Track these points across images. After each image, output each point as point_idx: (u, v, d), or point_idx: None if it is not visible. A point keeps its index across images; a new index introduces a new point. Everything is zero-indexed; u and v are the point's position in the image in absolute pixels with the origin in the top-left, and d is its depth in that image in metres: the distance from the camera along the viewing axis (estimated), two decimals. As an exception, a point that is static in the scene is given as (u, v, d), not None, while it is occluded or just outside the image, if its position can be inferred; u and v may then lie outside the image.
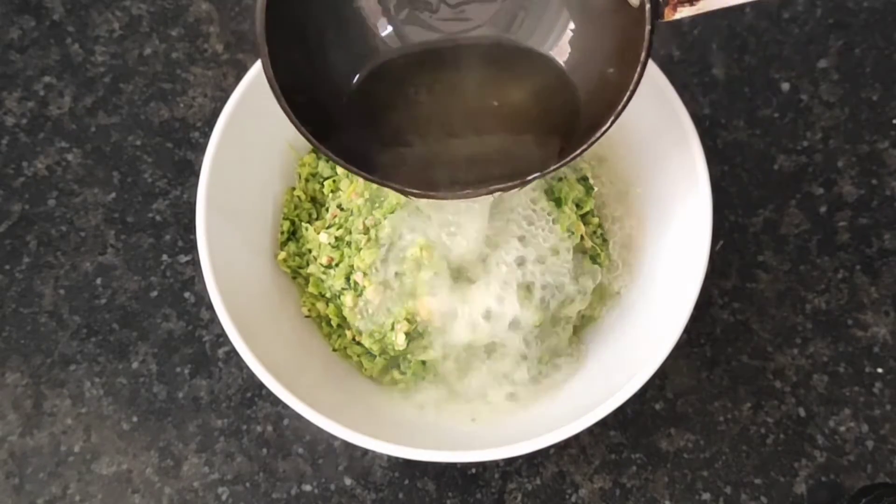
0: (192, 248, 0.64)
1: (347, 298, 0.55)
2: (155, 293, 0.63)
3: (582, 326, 0.58)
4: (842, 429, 0.60)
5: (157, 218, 0.65)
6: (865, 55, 0.69)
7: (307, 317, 0.58)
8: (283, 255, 0.58)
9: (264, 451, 0.60)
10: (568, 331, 0.57)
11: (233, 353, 0.61)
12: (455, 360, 0.56)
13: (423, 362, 0.55)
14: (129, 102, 0.68)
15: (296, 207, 0.59)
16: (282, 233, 0.59)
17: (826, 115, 0.67)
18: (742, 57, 0.69)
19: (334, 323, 0.57)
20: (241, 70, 0.57)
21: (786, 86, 0.68)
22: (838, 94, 0.68)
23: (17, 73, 0.69)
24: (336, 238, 0.55)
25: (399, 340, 0.53)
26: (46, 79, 0.69)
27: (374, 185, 0.55)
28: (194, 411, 0.60)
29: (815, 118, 0.67)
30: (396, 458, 0.59)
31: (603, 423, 0.53)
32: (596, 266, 0.57)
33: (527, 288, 0.53)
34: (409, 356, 0.55)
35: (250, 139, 0.57)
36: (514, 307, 0.53)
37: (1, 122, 0.68)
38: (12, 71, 0.69)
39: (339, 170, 0.58)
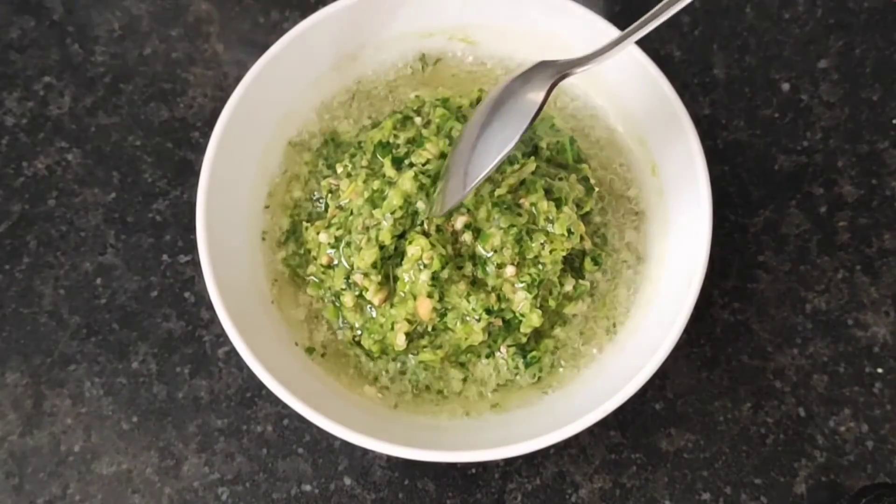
0: (192, 248, 0.64)
1: (347, 298, 0.55)
2: (155, 293, 0.63)
3: (581, 327, 0.58)
4: (842, 429, 0.60)
5: (157, 218, 0.65)
6: (865, 55, 0.69)
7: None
8: (282, 253, 0.58)
9: (264, 451, 0.60)
10: (567, 330, 0.57)
11: (233, 353, 0.61)
12: (454, 359, 0.56)
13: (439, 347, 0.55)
14: (129, 102, 0.68)
15: (295, 206, 0.59)
16: (281, 231, 0.59)
17: (826, 115, 0.67)
18: (742, 57, 0.69)
19: (334, 324, 0.57)
20: (241, 70, 0.57)
21: (786, 86, 0.68)
22: (838, 94, 0.68)
23: (17, 73, 0.69)
24: (336, 238, 0.55)
25: (399, 340, 0.53)
26: (46, 79, 0.69)
27: (374, 185, 0.55)
28: (194, 411, 0.60)
29: (815, 118, 0.67)
30: (396, 458, 0.59)
31: (603, 423, 0.54)
32: (596, 266, 0.57)
33: (526, 288, 0.53)
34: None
35: (250, 139, 0.57)
36: (515, 307, 0.53)
37: (1, 122, 0.68)
38: (12, 71, 0.69)
39: (339, 169, 0.58)
